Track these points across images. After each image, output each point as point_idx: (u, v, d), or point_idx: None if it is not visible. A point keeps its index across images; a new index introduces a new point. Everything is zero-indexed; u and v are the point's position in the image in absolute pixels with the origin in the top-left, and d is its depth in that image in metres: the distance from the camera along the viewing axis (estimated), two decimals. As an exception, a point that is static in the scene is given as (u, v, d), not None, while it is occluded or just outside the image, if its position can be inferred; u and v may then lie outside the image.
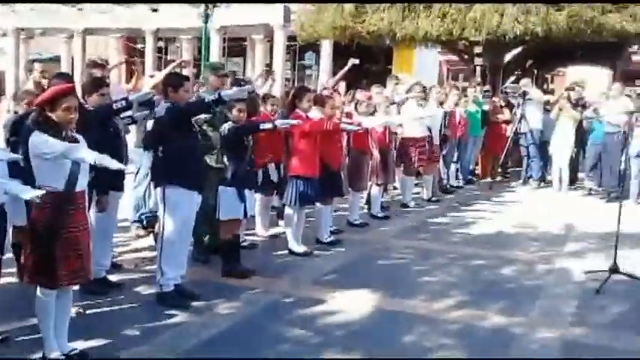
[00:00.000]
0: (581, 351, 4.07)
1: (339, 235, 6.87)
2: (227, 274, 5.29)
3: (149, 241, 6.09)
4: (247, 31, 22.60)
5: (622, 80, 13.06)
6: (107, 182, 4.51)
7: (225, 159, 5.28)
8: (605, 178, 9.69)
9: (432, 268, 5.90)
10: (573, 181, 10.59)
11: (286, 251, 6.15)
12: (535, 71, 16.24)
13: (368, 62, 21.81)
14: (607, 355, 4.00)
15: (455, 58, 17.04)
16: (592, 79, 19.56)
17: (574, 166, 10.63)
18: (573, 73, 21.44)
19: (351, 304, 4.79)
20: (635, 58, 18.13)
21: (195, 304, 4.61)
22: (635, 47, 16.08)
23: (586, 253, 6.51)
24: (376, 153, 7.64)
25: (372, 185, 7.82)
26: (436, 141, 9.21)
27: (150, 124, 5.31)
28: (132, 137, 6.05)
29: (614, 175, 9.50)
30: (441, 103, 9.56)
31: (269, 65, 21.06)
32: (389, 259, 6.23)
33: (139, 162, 6.26)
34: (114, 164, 3.31)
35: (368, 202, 8.12)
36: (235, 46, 24.59)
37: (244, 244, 6.10)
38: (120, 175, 4.69)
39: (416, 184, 9.27)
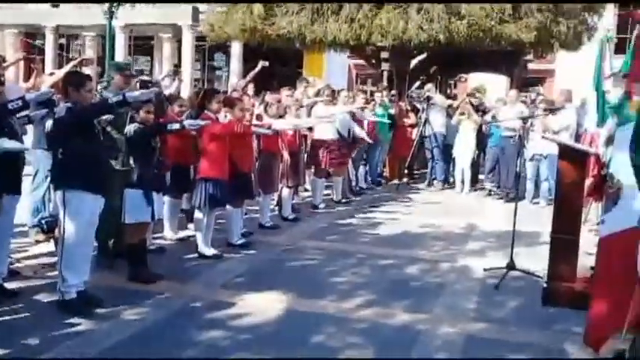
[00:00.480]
0: (481, 345, 4.27)
1: (250, 237, 6.84)
2: (133, 279, 5.13)
3: (49, 246, 5.80)
4: (154, 29, 22.05)
5: (518, 87, 13.85)
6: (2, 185, 4.26)
7: (131, 161, 5.13)
8: (503, 180, 10.22)
9: (341, 268, 5.99)
10: (474, 182, 11.08)
11: (196, 255, 6.05)
12: (439, 77, 16.92)
13: (278, 65, 21.87)
14: (504, 348, 4.21)
15: (364, 62, 17.41)
16: (491, 85, 20.64)
17: (475, 168, 11.14)
18: (474, 79, 22.53)
19: (262, 307, 4.78)
20: (530, 66, 19.22)
21: (99, 310, 4.44)
22: (530, 56, 17.05)
23: (486, 251, 6.83)
24: (286, 155, 7.69)
25: (283, 187, 7.86)
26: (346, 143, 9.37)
27: (49, 124, 5.06)
28: (29, 138, 5.74)
29: (511, 176, 10.04)
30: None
31: (177, 65, 20.62)
32: (299, 261, 6.27)
33: (36, 164, 5.96)
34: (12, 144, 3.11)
35: (279, 204, 8.14)
36: (142, 45, 23.92)
37: (151, 247, 5.95)
38: (16, 177, 4.45)
39: (326, 186, 9.38)
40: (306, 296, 5.14)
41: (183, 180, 6.41)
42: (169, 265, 5.74)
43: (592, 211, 7.26)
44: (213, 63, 23.74)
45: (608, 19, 16.34)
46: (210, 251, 6.06)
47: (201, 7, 18.94)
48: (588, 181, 5.61)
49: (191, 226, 6.70)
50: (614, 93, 5.53)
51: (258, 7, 12.93)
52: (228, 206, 6.41)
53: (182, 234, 6.80)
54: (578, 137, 8.63)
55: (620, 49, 14.57)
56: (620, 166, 3.69)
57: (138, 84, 6.19)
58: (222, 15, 14.07)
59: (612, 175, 3.83)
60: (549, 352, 4.17)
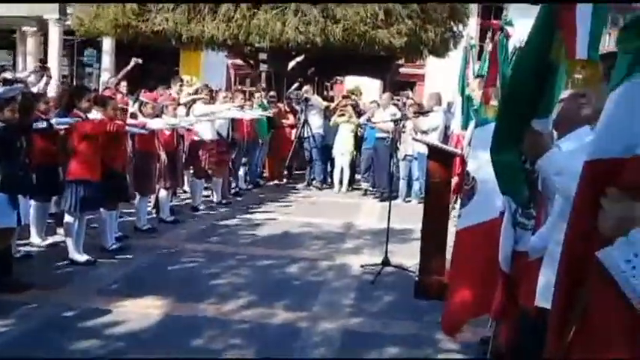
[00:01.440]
0: (358, 339, 4.43)
1: (126, 241, 6.62)
2: (-2, 289, 4.79)
3: None
4: (17, 22, 20.54)
5: (391, 90, 14.44)
6: None
7: (-6, 163, 4.78)
8: (377, 180, 10.62)
9: (222, 270, 5.95)
10: (351, 182, 11.42)
11: (67, 261, 5.75)
12: (316, 79, 17.21)
13: (154, 63, 21.20)
14: (379, 340, 4.40)
15: (241, 62, 17.34)
16: (366, 88, 21.35)
17: (352, 168, 11.47)
18: (350, 81, 23.19)
19: (140, 312, 4.65)
20: (402, 70, 20.08)
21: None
22: (402, 61, 17.83)
23: (362, 248, 7.07)
24: (164, 155, 7.50)
25: (160, 189, 7.65)
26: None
27: None
28: None
29: (385, 176, 10.45)
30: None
31: (43, 60, 19.35)
32: (178, 264, 6.15)
33: None
34: None
35: (156, 206, 7.92)
36: (3, 38, 22.20)
37: (18, 255, 5.59)
38: None
39: (205, 188, 9.26)
40: (185, 300, 5.06)
41: (51, 182, 6.03)
42: (38, 273, 5.43)
43: (457, 207, 7.74)
44: (83, 59, 22.51)
45: (471, 27, 17.47)
46: (82, 257, 5.78)
47: (69, -1, 17.91)
48: (454, 180, 5.98)
49: (61, 230, 6.34)
50: (478, 96, 5.94)
51: (131, 3, 12.47)
52: (101, 209, 6.15)
53: (51, 240, 6.42)
54: (446, 138, 9.15)
55: (481, 55, 15.62)
56: (478, 164, 3.98)
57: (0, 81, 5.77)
58: (93, 9, 13.42)
59: (468, 172, 4.12)
60: (420, 341, 4.40)
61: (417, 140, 7.73)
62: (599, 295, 1.31)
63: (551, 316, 1.44)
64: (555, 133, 2.84)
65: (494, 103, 3.81)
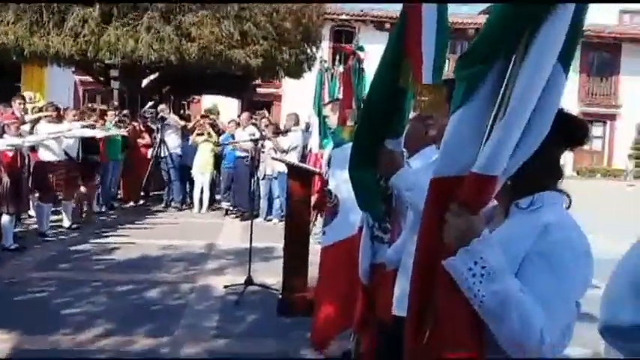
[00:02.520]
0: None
1: (-37, 273, 6.05)
2: None
3: None
4: None
5: (248, 109, 14.56)
6: None
7: None
8: (238, 199, 10.61)
9: (76, 298, 5.62)
10: (211, 202, 11.31)
11: None
12: (172, 97, 16.90)
13: (-8, 77, 19.61)
14: None
15: (91, 79, 16.57)
16: (223, 107, 21.31)
17: (212, 188, 11.37)
18: (207, 100, 23.02)
19: (-18, 350, 4.27)
20: (259, 90, 20.33)
21: None
22: (259, 80, 18.04)
23: (225, 268, 7.02)
24: (6, 178, 6.96)
25: (2, 214, 7.08)
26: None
27: None
28: None
29: (246, 195, 10.49)
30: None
31: None
32: (26, 294, 5.71)
33: None
34: None
35: (-2, 233, 7.32)
36: None
37: None
38: None
39: (55, 212, 8.70)
40: (35, 332, 4.72)
41: None
42: None
43: (317, 224, 7.97)
44: None
45: (324, 50, 18.14)
46: None
47: None
48: (314, 198, 6.16)
49: None
50: (333, 119, 6.19)
51: (-35, 15, 11.49)
52: None
53: None
54: (304, 157, 9.40)
55: (333, 78, 16.26)
56: (338, 182, 4.15)
57: None
58: None
59: (331, 191, 4.29)
60: (287, 358, 4.47)
61: (276, 159, 7.87)
62: (447, 300, 1.45)
63: (407, 320, 1.56)
64: (405, 152, 3.07)
65: (350, 124, 4.01)
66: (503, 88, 1.34)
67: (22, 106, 8.95)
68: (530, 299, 1.39)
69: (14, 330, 4.65)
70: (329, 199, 4.17)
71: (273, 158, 8.11)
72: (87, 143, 9.19)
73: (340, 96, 6.92)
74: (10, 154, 7.11)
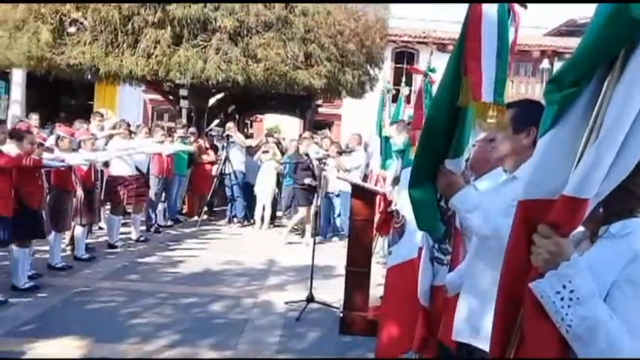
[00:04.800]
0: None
1: (39, 280, 6.33)
2: None
3: None
4: None
5: (310, 129, 14.71)
6: None
7: None
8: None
9: (143, 309, 5.80)
10: (273, 219, 11.44)
11: (-24, 301, 5.43)
12: (236, 116, 17.26)
13: (67, 96, 20.56)
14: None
15: (159, 97, 17.15)
16: (285, 126, 21.61)
17: (274, 205, 11.50)
18: (269, 119, 23.41)
19: (56, 354, 4.45)
20: (320, 109, 20.53)
21: None
22: (320, 101, 18.24)
23: (286, 285, 7.08)
24: (80, 191, 7.26)
25: (76, 225, 7.38)
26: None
27: None
28: None
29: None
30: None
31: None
32: (96, 303, 5.93)
33: None
34: None
35: (71, 243, 7.63)
36: None
37: None
38: None
39: (124, 224, 9.01)
40: (105, 340, 4.90)
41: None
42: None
43: (379, 244, 7.95)
44: (-9, 90, 21.49)
45: (386, 71, 18.20)
46: (-8, 297, 5.48)
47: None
48: (376, 218, 6.16)
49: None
50: (398, 139, 6.20)
51: (45, 35, 12.10)
52: (13, 246, 5.88)
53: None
54: (365, 177, 9.40)
55: (395, 99, 16.30)
56: (405, 203, 4.15)
57: None
58: (4, 40, 12.90)
59: (398, 211, 4.29)
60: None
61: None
62: (533, 322, 1.43)
63: (492, 341, 1.55)
64: (471, 173, 3.03)
65: (419, 145, 4.01)
66: (596, 110, 1.34)
67: (100, 122, 9.36)
68: (619, 326, 1.37)
69: (85, 337, 4.83)
70: (396, 219, 4.17)
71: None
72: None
73: (404, 117, 6.95)
74: (85, 168, 7.42)
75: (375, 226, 6.01)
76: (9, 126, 7.01)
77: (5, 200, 5.57)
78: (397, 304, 4.08)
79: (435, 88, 4.02)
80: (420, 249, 3.41)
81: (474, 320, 2.57)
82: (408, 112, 7.59)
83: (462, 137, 2.33)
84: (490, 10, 2.11)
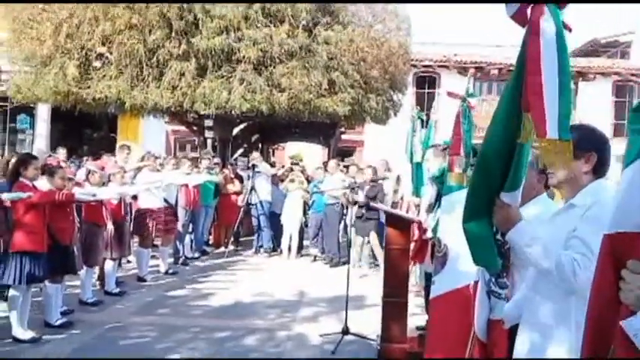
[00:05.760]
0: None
1: (71, 315, 6.29)
2: None
3: None
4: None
5: (334, 156, 14.66)
6: None
7: None
8: (327, 245, 10.58)
9: (176, 344, 5.71)
10: (300, 248, 11.33)
11: (10, 339, 5.38)
12: (260, 145, 17.31)
13: (90, 128, 20.81)
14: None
15: (182, 128, 17.27)
16: (308, 153, 21.61)
17: (301, 234, 11.41)
18: (290, 146, 23.45)
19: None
20: (343, 137, 20.51)
21: None
22: (343, 128, 18.22)
23: (319, 316, 6.96)
24: (110, 225, 7.24)
25: (106, 260, 7.36)
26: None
27: None
28: None
29: (335, 242, 10.46)
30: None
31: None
32: (129, 339, 5.85)
33: None
34: None
35: (100, 277, 7.60)
36: None
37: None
38: None
39: (152, 257, 8.97)
40: (140, 377, 4.80)
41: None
42: (-23, 353, 5.04)
43: (412, 273, 7.79)
44: (16, 125, 21.83)
45: (408, 97, 18.13)
46: (26, 334, 5.44)
47: (3, 66, 17.45)
48: (411, 246, 6.04)
49: (1, 306, 5.96)
50: (434, 163, 6.12)
51: (72, 71, 12.29)
52: (46, 282, 5.86)
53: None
54: (394, 204, 9.28)
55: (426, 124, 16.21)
56: (446, 230, 4.05)
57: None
58: (31, 76, 13.12)
59: (440, 239, 4.18)
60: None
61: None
62: (623, 360, 1.34)
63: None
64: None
65: (458, 170, 3.92)
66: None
67: (128, 155, 9.41)
68: None
69: (121, 374, 4.76)
70: (438, 247, 4.06)
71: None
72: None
73: (437, 142, 6.86)
74: (115, 202, 7.42)
75: (410, 254, 5.88)
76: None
77: (39, 236, 5.56)
78: (443, 334, 3.97)
79: (474, 114, 3.96)
80: (475, 283, 3.32)
81: (534, 355, 2.49)
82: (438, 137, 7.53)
83: (519, 170, 2.27)
84: (550, 42, 2.03)
